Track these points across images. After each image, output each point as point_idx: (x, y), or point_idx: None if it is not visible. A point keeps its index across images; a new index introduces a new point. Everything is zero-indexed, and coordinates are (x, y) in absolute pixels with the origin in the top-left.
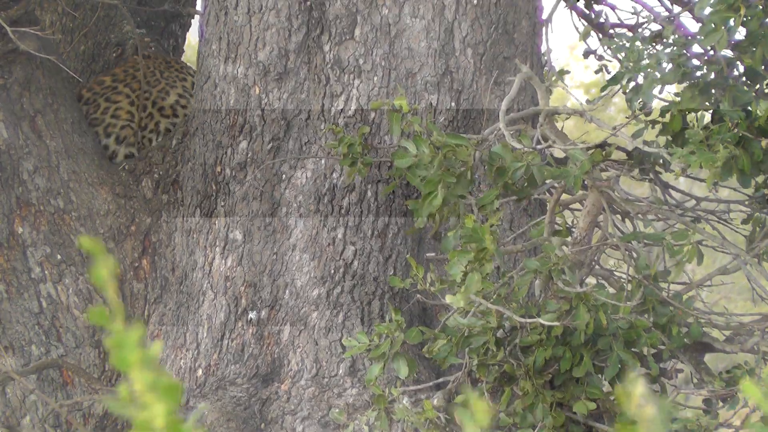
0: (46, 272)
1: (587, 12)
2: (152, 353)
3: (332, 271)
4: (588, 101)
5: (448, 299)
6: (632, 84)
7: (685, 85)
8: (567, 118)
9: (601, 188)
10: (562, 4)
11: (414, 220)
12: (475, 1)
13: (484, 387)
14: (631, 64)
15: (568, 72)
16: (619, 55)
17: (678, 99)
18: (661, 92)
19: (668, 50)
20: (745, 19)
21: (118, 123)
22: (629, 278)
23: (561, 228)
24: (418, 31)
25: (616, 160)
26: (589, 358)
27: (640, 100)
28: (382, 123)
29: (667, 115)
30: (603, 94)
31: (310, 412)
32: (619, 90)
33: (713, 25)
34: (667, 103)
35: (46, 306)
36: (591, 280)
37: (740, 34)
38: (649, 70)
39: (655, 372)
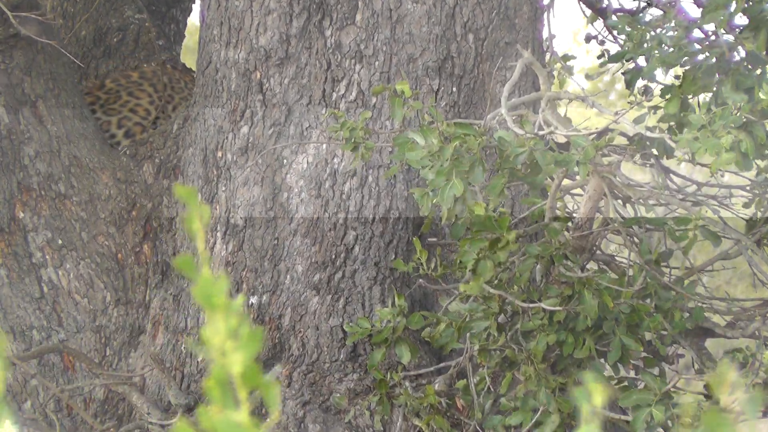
0: (47, 257)
1: None
2: (237, 303)
3: (333, 256)
4: (587, 75)
5: (462, 288)
6: (632, 65)
7: (686, 68)
8: (569, 104)
9: (602, 173)
10: None
11: (419, 208)
12: None
13: (486, 372)
14: (632, 44)
15: (574, 57)
16: (620, 37)
17: (678, 82)
18: (666, 74)
19: (670, 33)
20: (747, 4)
21: (133, 118)
22: (631, 263)
23: (561, 213)
24: (419, 16)
25: (618, 145)
26: (592, 342)
27: (640, 82)
28: (383, 108)
29: (667, 98)
30: (602, 70)
31: (311, 397)
32: (618, 71)
33: (714, 6)
34: (664, 86)
35: (47, 291)
36: (592, 266)
37: (743, 20)
38: (654, 51)
39: (663, 352)
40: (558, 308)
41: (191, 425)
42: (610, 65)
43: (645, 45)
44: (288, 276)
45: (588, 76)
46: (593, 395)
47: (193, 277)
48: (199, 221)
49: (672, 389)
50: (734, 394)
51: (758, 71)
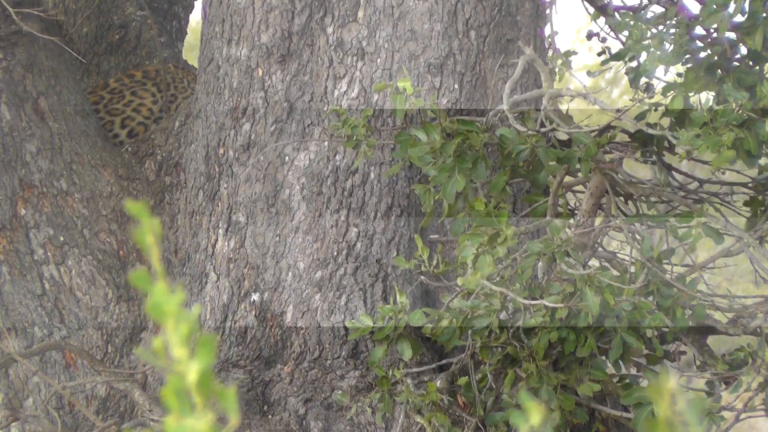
0: (48, 254)
1: None
2: (192, 313)
3: (335, 253)
4: (589, 72)
5: (460, 282)
6: (634, 63)
7: (688, 66)
8: (571, 101)
9: (604, 170)
10: None
11: (421, 204)
12: None
13: (487, 369)
14: (632, 41)
15: (575, 53)
16: (621, 35)
17: (681, 80)
18: (665, 73)
19: (672, 31)
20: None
21: (137, 118)
22: (632, 260)
23: (563, 210)
24: (421, 13)
25: (620, 143)
26: (593, 340)
27: (643, 79)
28: (385, 105)
29: (669, 95)
30: (603, 68)
31: (312, 394)
32: (621, 69)
33: (714, 7)
34: (666, 84)
35: (48, 288)
36: (594, 263)
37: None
38: (652, 49)
39: (659, 353)
40: (560, 305)
41: None
42: (611, 63)
43: (646, 42)
44: (290, 273)
45: (590, 73)
46: (530, 415)
47: (148, 290)
48: (151, 236)
49: None
50: (739, 392)
51: (759, 69)
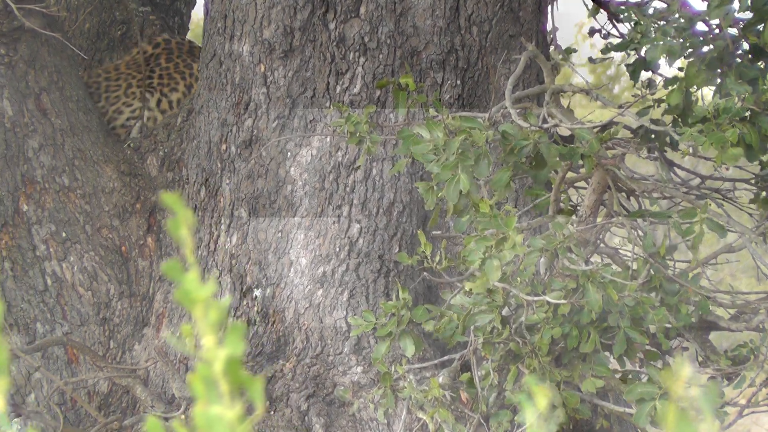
0: (51, 250)
1: None
2: (223, 303)
3: (337, 249)
4: (590, 59)
5: (468, 286)
6: (636, 56)
7: (690, 60)
8: (573, 95)
9: (606, 166)
10: None
11: (424, 201)
12: None
13: (490, 365)
14: (637, 34)
15: (575, 51)
16: (624, 26)
17: (682, 74)
18: (671, 65)
19: (675, 25)
20: None
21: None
22: (635, 256)
23: (565, 206)
24: (423, 9)
25: (622, 138)
26: (596, 335)
27: (646, 74)
28: (387, 101)
29: (670, 89)
30: (605, 57)
31: (315, 390)
32: (622, 63)
33: (719, 2)
34: (667, 79)
35: (51, 284)
36: (596, 259)
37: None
38: (656, 42)
39: (666, 347)
40: (562, 301)
41: (193, 420)
42: (613, 54)
43: (650, 35)
44: (292, 269)
45: (591, 60)
46: (536, 397)
47: (179, 280)
48: (186, 227)
49: None
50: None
51: (761, 63)
